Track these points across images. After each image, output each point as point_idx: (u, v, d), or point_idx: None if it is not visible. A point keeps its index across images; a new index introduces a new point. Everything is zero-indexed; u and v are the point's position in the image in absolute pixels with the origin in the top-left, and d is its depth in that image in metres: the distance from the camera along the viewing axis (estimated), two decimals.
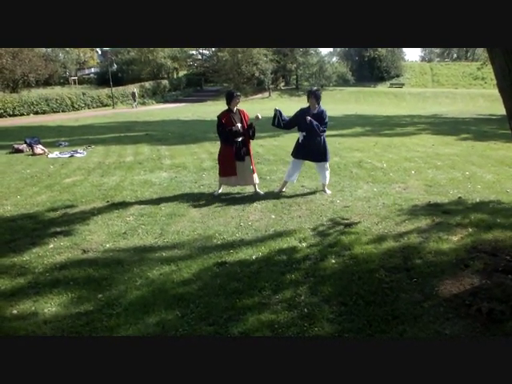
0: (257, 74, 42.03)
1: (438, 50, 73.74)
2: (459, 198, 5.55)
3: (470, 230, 4.31)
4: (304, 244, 4.05)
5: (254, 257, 3.77)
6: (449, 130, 14.27)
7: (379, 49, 48.97)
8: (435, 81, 49.72)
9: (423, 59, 73.54)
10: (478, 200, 5.41)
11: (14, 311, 2.99)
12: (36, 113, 26.75)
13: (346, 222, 4.66)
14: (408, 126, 15.98)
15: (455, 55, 68.38)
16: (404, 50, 54.39)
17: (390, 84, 47.82)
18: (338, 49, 54.41)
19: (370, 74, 49.50)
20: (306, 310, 2.88)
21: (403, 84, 47.60)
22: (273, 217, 4.89)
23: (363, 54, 49.64)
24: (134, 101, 32.51)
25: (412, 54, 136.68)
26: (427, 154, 8.98)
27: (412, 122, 18.32)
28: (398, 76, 51.02)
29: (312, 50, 46.74)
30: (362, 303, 2.95)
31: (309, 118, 5.73)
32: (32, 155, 10.00)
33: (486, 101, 32.95)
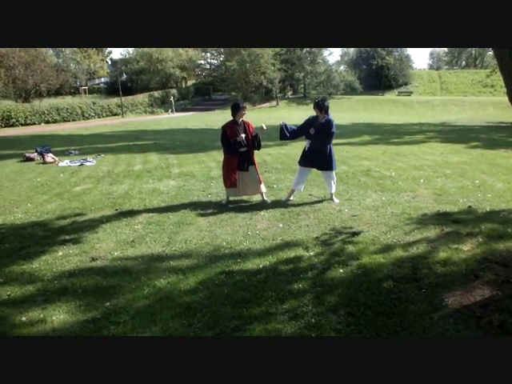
0: (265, 83, 42.26)
1: (446, 58, 73.61)
2: (469, 207, 5.49)
3: (481, 239, 4.27)
4: (311, 253, 4.03)
5: (261, 266, 3.76)
6: (458, 137, 14.19)
7: (387, 57, 49.04)
8: (444, 88, 49.57)
9: (431, 67, 73.38)
10: (488, 209, 5.35)
11: (23, 318, 3.01)
12: (47, 122, 27.12)
13: (354, 231, 4.64)
14: (417, 134, 15.91)
15: (464, 63, 68.17)
16: (412, 58, 54.34)
17: (398, 92, 47.74)
18: (346, 57, 54.62)
19: (377, 82, 49.48)
20: (312, 320, 2.86)
21: (411, 92, 47.51)
22: (280, 226, 4.89)
23: (371, 63, 49.70)
24: (172, 108, 35.91)
25: (420, 62, 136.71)
26: (436, 163, 8.92)
27: (421, 130, 18.25)
28: (406, 84, 50.95)
29: (319, 59, 46.95)
30: (369, 314, 2.92)
31: (312, 129, 5.77)
32: (43, 163, 10.13)
33: (495, 108, 32.69)
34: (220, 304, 3.10)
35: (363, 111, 36.69)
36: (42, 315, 3.03)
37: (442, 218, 5.03)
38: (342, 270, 3.63)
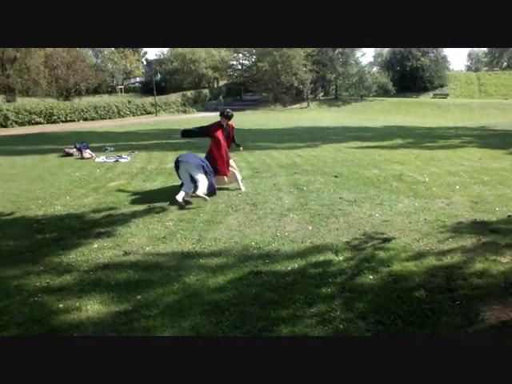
0: (296, 84, 42.17)
1: (485, 59, 71.04)
2: (509, 216, 5.28)
3: None
4: (341, 257, 4.00)
5: (289, 268, 3.77)
6: (497, 143, 13.65)
7: (422, 58, 47.88)
8: (483, 91, 47.90)
9: (469, 68, 71.01)
10: None
11: (61, 305, 3.15)
12: (85, 119, 28.10)
13: (385, 236, 4.56)
14: (452, 139, 15.45)
15: (505, 64, 65.48)
16: (449, 59, 52.77)
17: (434, 94, 46.49)
18: (379, 58, 53.67)
19: (412, 84, 48.37)
20: (341, 325, 2.84)
21: (447, 94, 46.15)
22: (309, 228, 4.87)
23: (405, 64, 48.65)
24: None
25: (457, 64, 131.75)
26: (473, 169, 8.62)
27: (457, 134, 17.70)
28: (441, 86, 49.58)
29: (352, 60, 46.40)
30: (400, 323, 2.86)
31: None
32: (81, 159, 10.52)
33: None
34: (248, 304, 3.12)
35: (396, 114, 35.95)
36: (77, 304, 3.16)
37: (478, 227, 4.86)
38: (372, 277, 3.58)
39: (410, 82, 48.54)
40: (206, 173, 6.20)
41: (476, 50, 71.13)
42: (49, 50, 35.89)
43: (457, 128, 21.09)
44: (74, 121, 27.28)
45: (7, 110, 23.51)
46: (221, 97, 42.11)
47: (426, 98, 45.11)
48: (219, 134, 6.67)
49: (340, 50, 45.32)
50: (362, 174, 8.13)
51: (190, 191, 6.01)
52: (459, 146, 12.78)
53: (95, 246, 4.38)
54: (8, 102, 28.88)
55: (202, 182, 6.04)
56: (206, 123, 7.42)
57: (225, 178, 6.88)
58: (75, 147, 11.21)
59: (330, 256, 4.03)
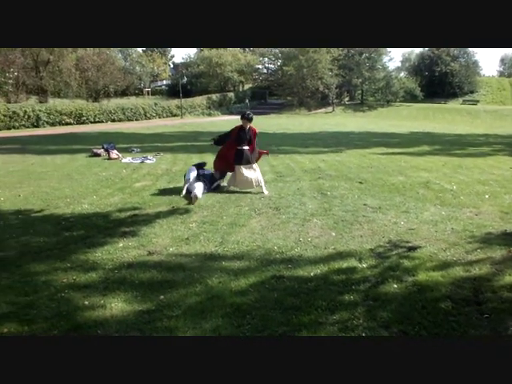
0: (321, 89, 41.97)
1: None
2: None
3: None
4: (364, 265, 3.94)
5: (312, 274, 3.74)
6: None
7: (452, 63, 46.84)
8: None
9: (502, 74, 68.92)
10: None
11: (86, 302, 3.21)
12: (113, 120, 28.77)
13: (410, 245, 4.47)
14: (482, 146, 15.04)
15: None
16: (480, 64, 51.34)
17: (463, 100, 45.38)
18: (407, 63, 52.80)
19: (440, 89, 47.37)
20: (363, 334, 2.79)
21: (478, 101, 44.97)
22: (333, 234, 4.82)
23: (434, 69, 47.67)
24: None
25: (489, 69, 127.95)
26: (504, 178, 8.36)
27: (487, 141, 17.23)
28: (472, 92, 48.39)
29: (379, 65, 45.83)
30: (424, 334, 2.79)
31: None
32: (108, 159, 10.76)
33: None
34: (270, 308, 3.11)
35: (423, 120, 35.27)
36: (102, 301, 3.22)
37: (509, 238, 4.70)
38: (396, 286, 3.51)
39: (438, 87, 47.56)
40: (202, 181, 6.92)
41: (510, 54, 68.91)
42: (80, 52, 37.02)
43: (487, 135, 20.51)
44: (103, 122, 27.97)
45: (39, 110, 24.31)
46: (247, 100, 42.43)
47: (454, 104, 44.08)
48: (232, 136, 7.05)
49: (367, 54, 44.89)
50: (387, 180, 8.01)
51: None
52: (489, 154, 12.42)
53: (120, 244, 4.46)
54: (40, 102, 29.88)
55: (199, 186, 6.66)
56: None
57: (251, 181, 6.93)
58: (103, 148, 11.48)
59: (353, 263, 3.98)
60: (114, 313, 3.06)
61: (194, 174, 7.04)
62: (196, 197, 6.22)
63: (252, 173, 6.93)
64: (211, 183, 7.13)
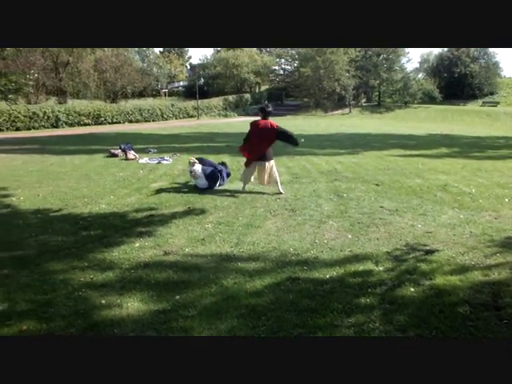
0: (338, 90, 41.69)
1: None
2: None
3: None
4: (381, 268, 3.90)
5: (327, 276, 3.72)
6: None
7: (472, 64, 45.99)
8: None
9: None
10: None
11: (103, 301, 3.26)
12: (130, 121, 29.13)
13: (428, 248, 4.41)
14: (502, 149, 14.73)
15: None
16: (501, 65, 50.24)
17: (483, 102, 44.48)
18: (425, 64, 52.05)
19: (460, 91, 46.53)
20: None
21: (498, 102, 44.03)
22: (349, 237, 4.79)
23: (453, 70, 46.86)
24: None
25: (510, 70, 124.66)
26: None
27: (507, 144, 16.87)
28: (492, 94, 47.36)
29: (397, 66, 45.29)
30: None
31: None
32: (125, 160, 10.90)
33: None
34: (285, 310, 3.11)
35: (442, 122, 34.70)
36: (119, 300, 3.26)
37: None
38: (413, 289, 3.47)
39: (457, 88, 46.73)
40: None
41: None
42: (98, 54, 37.65)
43: (507, 138, 20.08)
44: (120, 122, 28.34)
45: (58, 111, 24.77)
46: (266, 101, 42.58)
47: (474, 106, 43.27)
48: (253, 130, 7.04)
49: (385, 55, 44.43)
50: (404, 182, 7.91)
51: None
52: (509, 157, 12.16)
53: (137, 244, 4.52)
54: (59, 103, 30.46)
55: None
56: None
57: (264, 177, 7.01)
58: (120, 148, 11.63)
59: (369, 266, 3.95)
60: (131, 312, 3.09)
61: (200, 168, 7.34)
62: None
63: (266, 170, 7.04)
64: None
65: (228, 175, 7.88)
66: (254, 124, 7.06)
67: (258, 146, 6.95)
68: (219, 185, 7.38)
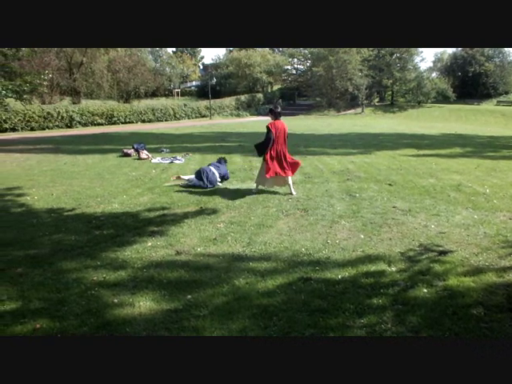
0: (350, 90, 41.38)
1: None
2: None
3: None
4: (393, 268, 3.87)
5: (339, 276, 3.70)
6: None
7: (486, 63, 45.26)
8: None
9: None
10: None
11: (115, 300, 3.29)
12: (143, 121, 29.35)
13: (441, 249, 4.35)
14: None
15: None
16: None
17: (498, 101, 43.71)
18: (439, 64, 51.37)
19: (474, 90, 45.84)
20: None
21: None
22: (361, 237, 4.76)
23: (467, 69, 46.18)
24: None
25: None
26: None
27: None
28: (507, 93, 46.54)
29: (410, 65, 44.77)
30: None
31: None
32: (138, 159, 10.99)
33: None
34: (297, 310, 3.10)
35: (455, 121, 34.23)
36: (131, 299, 3.29)
37: None
38: (426, 290, 3.43)
39: (471, 88, 46.05)
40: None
41: None
42: (112, 54, 37.99)
43: None
44: (133, 122, 28.57)
45: (73, 111, 25.07)
46: (280, 100, 42.60)
47: (488, 106, 42.57)
48: (271, 133, 6.70)
49: (398, 54, 43.96)
50: (417, 182, 7.83)
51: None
52: None
53: (149, 244, 4.55)
54: (73, 103, 30.83)
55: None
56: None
57: (280, 178, 6.88)
58: (133, 148, 11.73)
59: (382, 266, 3.91)
60: (143, 311, 3.12)
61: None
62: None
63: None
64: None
65: (223, 177, 7.80)
66: (272, 126, 6.70)
67: (281, 152, 6.75)
68: (208, 179, 7.42)
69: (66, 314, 3.07)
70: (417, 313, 3.07)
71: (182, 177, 8.07)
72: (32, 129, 22.51)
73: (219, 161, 8.11)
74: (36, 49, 20.19)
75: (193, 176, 7.73)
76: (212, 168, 7.64)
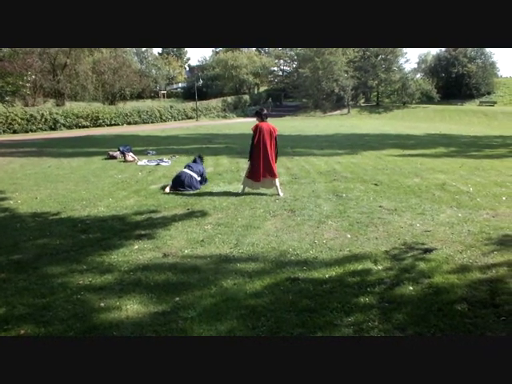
0: (336, 91, 41.72)
1: None
2: None
3: None
4: (380, 267, 3.91)
5: (327, 276, 3.73)
6: None
7: (469, 64, 46.08)
8: None
9: None
10: None
11: (102, 304, 3.25)
12: (129, 123, 29.13)
13: (426, 247, 4.42)
14: (499, 148, 14.77)
15: None
16: (498, 65, 50.27)
17: (480, 102, 44.56)
18: (423, 65, 52.13)
19: (457, 91, 46.62)
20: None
21: (495, 102, 44.14)
22: (348, 236, 4.80)
23: (450, 71, 46.97)
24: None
25: (507, 70, 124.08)
26: None
27: (504, 143, 16.91)
28: (489, 93, 47.44)
29: (395, 67, 45.38)
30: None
31: None
32: (124, 162, 10.89)
33: None
34: (284, 310, 3.11)
35: (440, 121, 34.77)
36: (118, 303, 3.26)
37: None
38: (411, 288, 3.48)
39: (455, 88, 46.80)
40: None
41: None
42: (97, 55, 37.60)
43: (504, 137, 20.11)
44: (119, 124, 28.33)
45: (56, 113, 24.74)
46: (270, 99, 42.69)
47: (471, 106, 43.33)
48: (256, 136, 6.77)
49: (383, 55, 44.50)
50: (402, 182, 7.93)
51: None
52: (506, 156, 12.21)
53: (136, 247, 4.51)
54: (57, 106, 30.41)
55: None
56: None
57: (267, 180, 6.92)
58: (119, 150, 11.63)
59: (368, 265, 3.96)
60: (130, 314, 3.09)
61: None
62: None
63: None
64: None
65: (201, 180, 7.69)
66: (257, 129, 6.79)
67: (268, 155, 6.78)
68: (186, 184, 7.27)
69: (51, 319, 3.02)
70: (403, 310, 3.11)
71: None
72: (15, 131, 22.16)
73: (194, 160, 8.06)
74: (18, 50, 19.83)
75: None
76: (187, 171, 7.44)
